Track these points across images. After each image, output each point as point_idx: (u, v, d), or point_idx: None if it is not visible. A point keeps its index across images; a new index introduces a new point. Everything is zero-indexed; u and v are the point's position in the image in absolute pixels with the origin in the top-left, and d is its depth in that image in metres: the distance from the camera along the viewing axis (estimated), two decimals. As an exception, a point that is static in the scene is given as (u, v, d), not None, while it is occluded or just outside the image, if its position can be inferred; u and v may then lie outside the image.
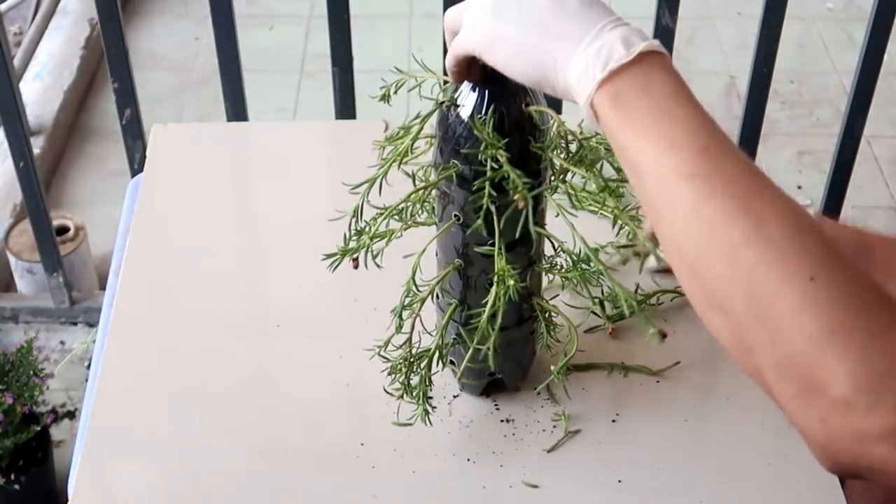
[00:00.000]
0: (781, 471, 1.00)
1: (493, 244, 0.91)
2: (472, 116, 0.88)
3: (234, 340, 1.13)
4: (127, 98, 1.91)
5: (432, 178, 0.94)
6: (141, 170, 1.36)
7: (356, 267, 0.97)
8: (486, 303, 0.93)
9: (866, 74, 1.87)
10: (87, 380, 1.86)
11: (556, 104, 0.89)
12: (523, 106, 0.89)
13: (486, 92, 0.88)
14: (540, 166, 0.91)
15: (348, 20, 1.81)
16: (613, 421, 1.04)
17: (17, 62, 2.82)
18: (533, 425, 1.03)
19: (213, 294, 1.17)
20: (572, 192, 0.96)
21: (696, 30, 3.22)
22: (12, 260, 2.33)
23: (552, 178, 0.94)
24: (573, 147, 0.92)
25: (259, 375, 1.11)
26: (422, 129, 0.94)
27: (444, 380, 1.05)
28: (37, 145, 2.61)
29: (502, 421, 1.04)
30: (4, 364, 1.89)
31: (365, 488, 0.99)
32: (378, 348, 0.97)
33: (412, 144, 0.94)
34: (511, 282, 0.90)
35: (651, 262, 1.12)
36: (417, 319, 0.96)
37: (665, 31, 1.82)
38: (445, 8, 1.75)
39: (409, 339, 0.96)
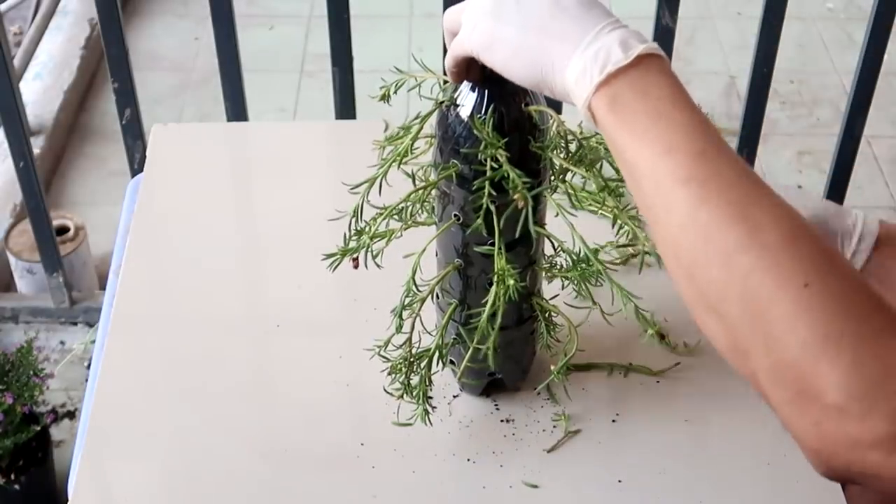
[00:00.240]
0: (781, 471, 1.00)
1: (492, 244, 0.91)
2: (471, 116, 0.88)
3: (234, 340, 1.13)
4: (127, 98, 1.91)
5: (432, 177, 0.94)
6: (141, 170, 1.36)
7: (356, 267, 0.97)
8: (486, 302, 0.93)
9: (866, 74, 1.87)
10: (87, 380, 1.86)
11: (555, 104, 0.89)
12: (523, 106, 0.89)
13: (486, 92, 0.88)
14: (539, 166, 0.91)
15: (348, 20, 1.81)
16: (613, 421, 1.04)
17: (17, 62, 2.82)
18: (533, 425, 1.03)
19: (213, 294, 1.17)
20: (572, 192, 0.96)
21: (696, 30, 3.22)
22: (12, 260, 2.33)
23: (552, 177, 0.94)
24: (573, 147, 0.92)
25: (259, 375, 1.11)
26: (421, 128, 0.94)
27: (444, 380, 1.05)
28: (37, 145, 2.61)
29: (502, 421, 1.04)
30: (4, 364, 1.89)
31: (365, 488, 0.99)
32: (378, 348, 0.97)
33: (412, 144, 0.94)
34: (511, 281, 0.90)
35: None
36: (417, 319, 0.96)
37: (665, 31, 1.82)
38: (445, 8, 1.75)
39: (409, 339, 0.96)
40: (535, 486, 0.99)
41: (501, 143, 0.87)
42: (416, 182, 0.96)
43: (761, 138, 2.00)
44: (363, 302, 1.13)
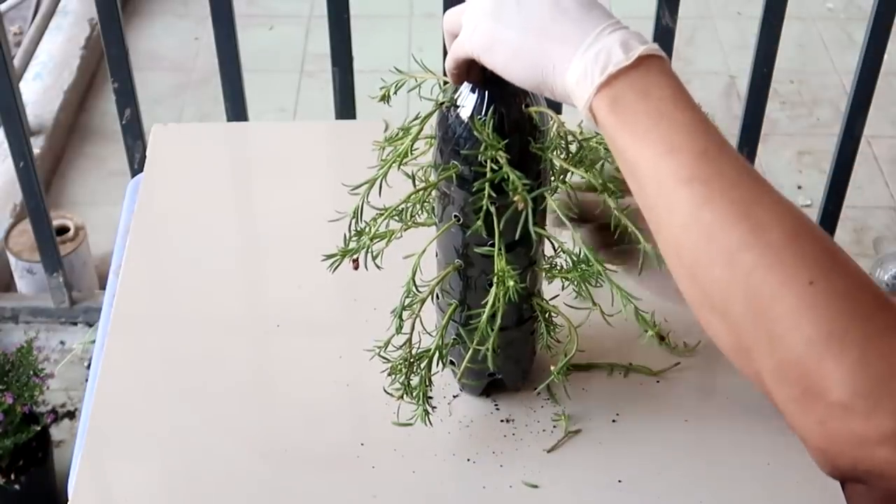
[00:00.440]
0: (781, 471, 1.00)
1: (492, 245, 0.91)
2: (471, 117, 0.88)
3: (234, 340, 1.13)
4: (127, 98, 1.91)
5: (432, 178, 0.94)
6: (141, 170, 1.36)
7: (356, 268, 0.97)
8: (486, 303, 0.93)
9: (866, 74, 1.87)
10: (87, 380, 1.86)
11: (555, 105, 0.89)
12: (523, 107, 0.89)
13: (486, 93, 0.88)
14: (540, 167, 0.91)
15: (348, 20, 1.81)
16: (613, 421, 1.04)
17: (17, 62, 2.82)
18: (533, 425, 1.03)
19: (213, 294, 1.17)
20: (572, 192, 0.96)
21: (696, 30, 3.22)
22: (12, 260, 2.33)
23: (552, 178, 0.94)
24: (573, 148, 0.92)
25: (259, 375, 1.11)
26: (422, 129, 0.94)
27: (444, 380, 1.05)
28: (37, 145, 2.61)
29: (502, 421, 1.04)
30: (4, 364, 1.89)
31: (365, 488, 0.99)
32: (378, 348, 0.97)
33: (412, 145, 0.94)
34: (511, 282, 0.90)
35: None
36: (417, 320, 0.96)
37: (665, 31, 1.82)
38: (445, 8, 1.75)
39: (409, 340, 0.96)
40: (535, 486, 0.99)
41: (501, 145, 0.87)
42: (417, 183, 0.96)
43: (761, 138, 2.00)
44: (363, 302, 1.13)
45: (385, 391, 0.98)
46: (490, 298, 0.92)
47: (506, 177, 0.87)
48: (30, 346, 1.91)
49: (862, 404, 0.66)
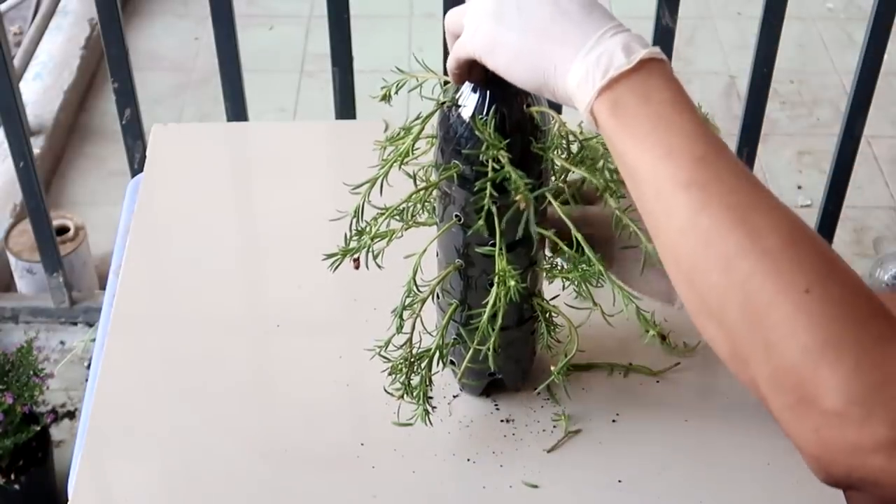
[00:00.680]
0: (781, 471, 1.00)
1: (493, 244, 0.91)
2: (473, 117, 0.88)
3: (234, 340, 1.13)
4: (127, 98, 1.91)
5: (433, 178, 0.94)
6: (141, 170, 1.36)
7: (357, 267, 0.97)
8: (487, 303, 0.93)
9: (866, 74, 1.87)
10: (87, 380, 1.86)
11: (557, 105, 0.89)
12: (525, 107, 0.89)
13: (488, 92, 0.88)
14: (541, 167, 0.91)
15: (348, 20, 1.81)
16: (613, 421, 1.04)
17: (17, 62, 2.82)
18: (533, 425, 1.03)
19: (213, 294, 1.17)
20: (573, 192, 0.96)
21: (696, 30, 3.22)
22: (12, 260, 2.33)
23: (553, 178, 0.94)
24: (574, 148, 0.92)
25: (259, 375, 1.11)
26: (422, 129, 0.94)
27: (444, 380, 1.05)
28: (37, 145, 2.61)
29: (502, 421, 1.04)
30: (4, 364, 1.89)
31: (365, 488, 0.99)
32: (378, 348, 0.97)
33: (413, 145, 0.94)
34: (512, 282, 0.90)
35: None
36: (418, 320, 0.96)
37: (665, 32, 1.82)
38: (446, 8, 1.75)
39: (410, 340, 0.96)
40: (535, 486, 0.99)
41: (503, 144, 0.87)
42: (417, 182, 0.96)
43: (761, 138, 2.00)
44: (363, 302, 1.13)
45: (385, 391, 0.98)
46: (491, 298, 0.92)
47: (507, 176, 0.87)
48: (30, 346, 1.91)
49: (856, 412, 0.66)
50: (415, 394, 0.97)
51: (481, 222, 0.89)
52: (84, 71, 2.98)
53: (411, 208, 0.97)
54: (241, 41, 1.85)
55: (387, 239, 0.96)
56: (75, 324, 2.30)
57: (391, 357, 0.97)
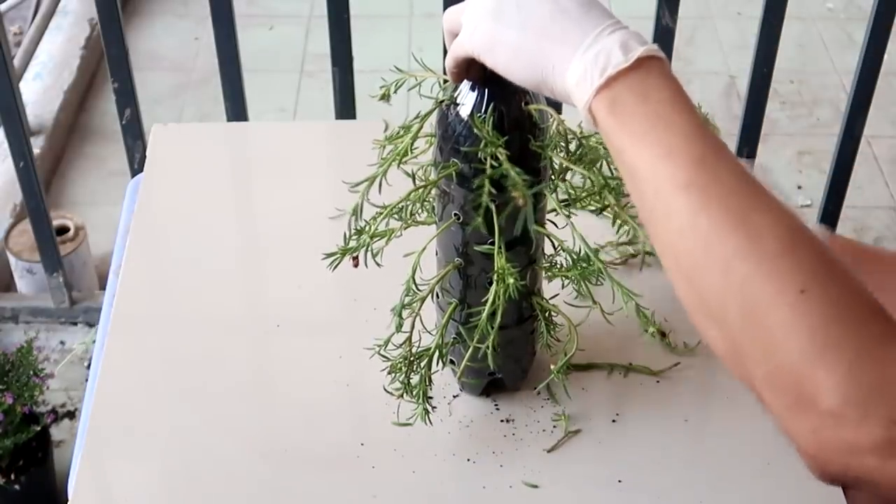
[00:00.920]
0: (781, 471, 1.00)
1: (492, 243, 0.91)
2: (471, 115, 0.88)
3: (234, 340, 1.13)
4: (127, 98, 1.91)
5: (432, 176, 0.94)
6: (141, 170, 1.36)
7: (356, 266, 0.97)
8: (486, 301, 0.93)
9: (866, 74, 1.87)
10: (87, 380, 1.86)
11: (555, 103, 0.89)
12: (523, 104, 0.89)
13: (486, 91, 0.88)
14: (540, 165, 0.91)
15: (348, 20, 1.81)
16: (613, 421, 1.04)
17: (17, 62, 2.82)
18: (533, 425, 1.03)
19: (213, 294, 1.17)
20: (572, 191, 0.96)
21: (696, 30, 3.22)
22: (12, 260, 2.33)
23: (552, 176, 0.94)
24: (573, 145, 0.92)
25: (259, 375, 1.11)
26: (421, 128, 0.94)
27: (444, 380, 1.05)
28: (37, 145, 2.61)
29: (502, 421, 1.04)
30: (4, 364, 1.89)
31: (365, 488, 0.99)
32: (378, 348, 0.97)
33: (412, 143, 0.94)
34: (511, 280, 0.90)
35: None
36: (417, 318, 0.96)
37: (665, 31, 1.82)
38: (445, 8, 1.75)
39: (409, 339, 0.96)
40: (535, 486, 0.99)
41: (501, 142, 0.87)
42: (416, 181, 0.96)
43: (761, 138, 2.00)
44: (363, 301, 1.13)
45: (385, 390, 0.98)
46: (490, 296, 0.92)
47: (506, 174, 0.87)
48: (30, 346, 1.91)
49: (853, 413, 0.66)
50: (414, 393, 0.97)
51: (480, 220, 0.89)
52: (84, 71, 2.98)
53: (410, 207, 0.97)
54: (241, 41, 1.85)
55: (386, 238, 0.96)
56: (75, 324, 2.30)
57: (391, 356, 0.97)
